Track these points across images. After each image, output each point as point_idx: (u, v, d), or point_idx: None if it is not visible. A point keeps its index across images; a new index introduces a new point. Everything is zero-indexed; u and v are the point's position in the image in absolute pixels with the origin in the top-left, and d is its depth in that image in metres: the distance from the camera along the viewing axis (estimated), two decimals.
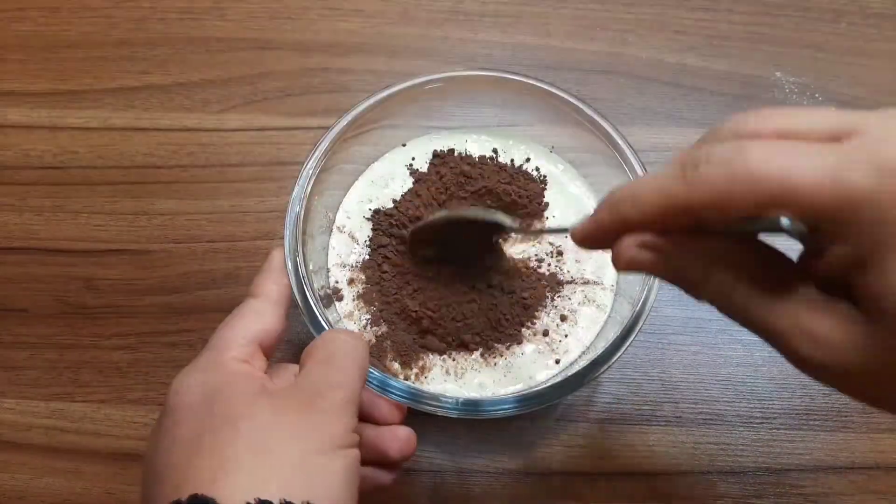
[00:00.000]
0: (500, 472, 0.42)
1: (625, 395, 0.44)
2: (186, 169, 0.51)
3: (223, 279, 0.47)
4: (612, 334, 0.38)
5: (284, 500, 0.25)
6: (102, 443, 0.43)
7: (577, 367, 0.37)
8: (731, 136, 0.23)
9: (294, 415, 0.27)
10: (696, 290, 0.24)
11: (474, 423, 0.43)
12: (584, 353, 0.40)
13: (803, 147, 0.21)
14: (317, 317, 0.36)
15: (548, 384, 0.37)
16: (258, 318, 0.33)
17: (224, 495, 0.24)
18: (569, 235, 0.27)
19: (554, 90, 0.43)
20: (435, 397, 0.36)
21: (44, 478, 0.42)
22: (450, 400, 0.35)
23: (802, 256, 0.24)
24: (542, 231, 0.43)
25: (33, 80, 0.54)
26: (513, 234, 0.42)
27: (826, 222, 0.21)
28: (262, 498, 0.24)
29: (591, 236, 0.26)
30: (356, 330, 0.40)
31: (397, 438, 0.34)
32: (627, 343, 0.37)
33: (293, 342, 0.45)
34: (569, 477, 0.42)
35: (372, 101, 0.42)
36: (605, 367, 0.36)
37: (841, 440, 0.43)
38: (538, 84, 0.43)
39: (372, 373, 0.35)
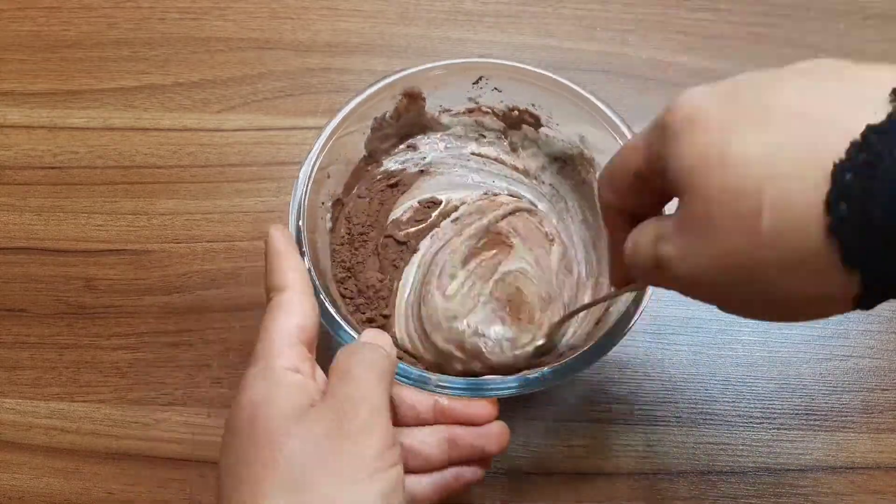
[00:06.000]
0: (500, 472, 0.42)
1: (625, 395, 0.44)
2: (186, 169, 0.51)
3: (223, 279, 0.47)
4: (613, 320, 0.38)
5: None
6: (102, 443, 0.43)
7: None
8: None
9: (325, 443, 0.27)
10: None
11: None
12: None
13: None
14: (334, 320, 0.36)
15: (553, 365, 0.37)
16: (293, 315, 0.32)
17: None
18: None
19: (565, 81, 0.42)
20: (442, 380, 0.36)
21: (44, 478, 0.42)
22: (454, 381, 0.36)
23: None
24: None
25: (33, 80, 0.54)
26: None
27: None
28: None
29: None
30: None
31: (493, 434, 0.34)
32: (632, 322, 0.36)
33: None
34: (569, 477, 0.42)
35: (381, 84, 0.42)
36: (603, 355, 0.36)
37: (841, 440, 0.43)
38: (545, 73, 0.43)
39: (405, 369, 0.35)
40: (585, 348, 0.36)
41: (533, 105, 0.44)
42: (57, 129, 0.52)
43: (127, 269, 0.48)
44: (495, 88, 0.44)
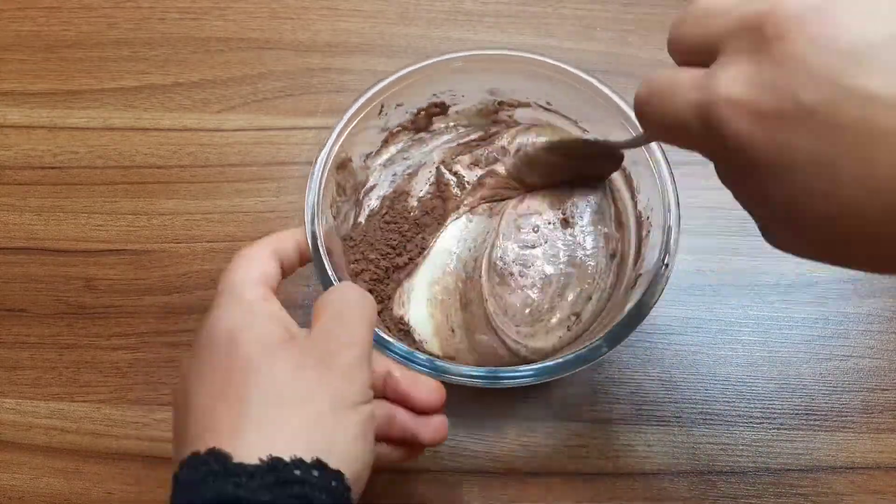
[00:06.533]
0: (500, 473, 0.42)
1: (625, 395, 0.44)
2: (186, 169, 0.51)
3: None
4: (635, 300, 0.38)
5: (295, 457, 0.26)
6: (102, 443, 0.43)
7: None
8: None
9: (311, 372, 0.28)
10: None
11: (473, 422, 0.43)
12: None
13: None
14: (328, 276, 0.37)
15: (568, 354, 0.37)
16: (253, 267, 0.33)
17: (239, 449, 0.26)
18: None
19: (573, 70, 0.42)
20: (459, 371, 0.36)
21: (44, 478, 0.42)
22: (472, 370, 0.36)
23: None
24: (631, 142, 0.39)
25: (33, 80, 0.54)
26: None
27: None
28: (275, 455, 0.25)
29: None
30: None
31: (432, 423, 0.35)
32: (657, 297, 0.36)
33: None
34: (569, 477, 0.42)
35: (393, 78, 0.42)
36: (633, 330, 0.36)
37: (841, 440, 0.43)
38: (561, 65, 0.42)
39: (395, 345, 0.35)
40: (616, 321, 0.36)
41: (434, 95, 0.45)
42: (57, 129, 0.52)
43: (127, 269, 0.48)
44: (397, 105, 0.44)
